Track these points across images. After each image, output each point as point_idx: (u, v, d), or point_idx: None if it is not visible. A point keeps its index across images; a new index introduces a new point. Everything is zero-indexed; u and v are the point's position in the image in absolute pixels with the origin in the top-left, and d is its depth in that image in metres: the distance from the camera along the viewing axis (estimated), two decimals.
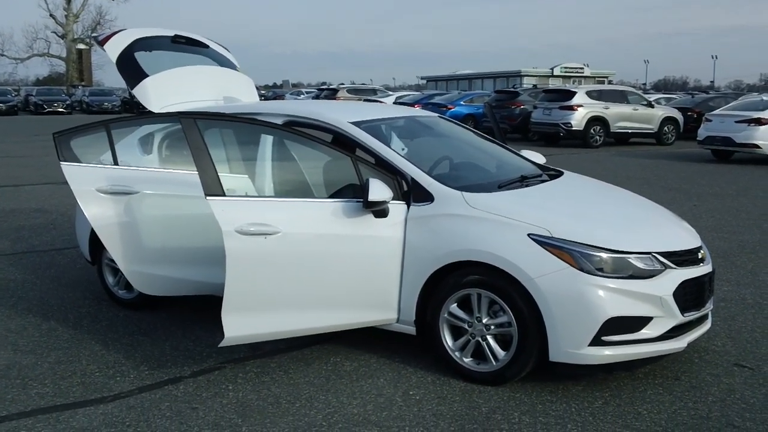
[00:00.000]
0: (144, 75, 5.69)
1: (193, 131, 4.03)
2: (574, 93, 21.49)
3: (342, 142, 4.82)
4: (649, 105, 22.43)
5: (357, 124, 4.78)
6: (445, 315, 4.28)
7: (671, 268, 4.08)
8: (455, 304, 4.25)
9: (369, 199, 4.10)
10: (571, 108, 20.83)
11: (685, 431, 3.68)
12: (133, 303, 5.62)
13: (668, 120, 22.55)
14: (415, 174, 4.43)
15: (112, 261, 5.65)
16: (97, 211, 4.69)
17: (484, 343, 4.19)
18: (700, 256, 4.35)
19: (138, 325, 5.31)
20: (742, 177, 14.28)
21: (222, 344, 4.07)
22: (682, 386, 4.20)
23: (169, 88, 5.76)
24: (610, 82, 71.06)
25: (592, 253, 3.94)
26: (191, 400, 4.05)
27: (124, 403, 4.03)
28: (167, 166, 5.28)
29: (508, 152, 5.59)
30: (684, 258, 4.21)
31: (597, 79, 78.89)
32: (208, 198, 3.90)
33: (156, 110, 5.57)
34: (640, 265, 3.99)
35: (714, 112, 18.20)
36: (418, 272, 4.30)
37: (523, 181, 4.86)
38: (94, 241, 5.73)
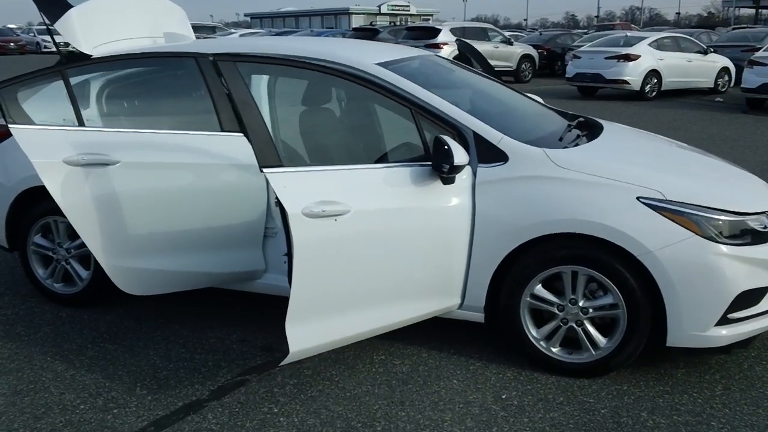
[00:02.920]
0: (67, 5, 4.39)
1: (236, 79, 2.95)
2: (439, 31, 21.01)
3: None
4: (509, 42, 22.47)
5: (385, 65, 3.87)
6: (527, 298, 3.55)
7: None
8: (540, 285, 3.53)
9: (456, 163, 3.24)
10: (437, 46, 20.33)
11: None
12: (74, 299, 4.41)
13: (526, 57, 22.75)
14: (480, 128, 3.61)
15: (42, 247, 4.39)
16: (67, 190, 3.44)
17: (579, 329, 3.52)
18: None
19: (95, 328, 4.14)
20: (622, 113, 14.50)
21: (285, 362, 3.10)
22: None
23: (98, 23, 4.50)
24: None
25: (713, 216, 3.35)
26: None
27: None
28: (113, 124, 4.09)
29: (520, 95, 4.86)
30: None
31: (422, 17, 79.59)
32: (265, 171, 2.87)
33: (87, 50, 4.31)
34: (757, 227, 3.45)
35: (582, 49, 18.44)
36: (493, 248, 3.52)
37: (571, 131, 4.17)
38: (13, 223, 4.42)
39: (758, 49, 18.86)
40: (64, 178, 3.42)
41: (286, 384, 3.50)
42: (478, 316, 3.69)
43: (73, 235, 4.28)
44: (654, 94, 16.93)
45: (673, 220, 3.31)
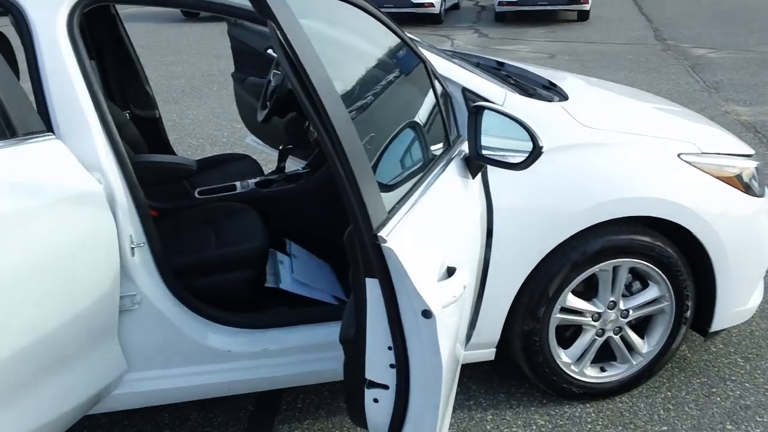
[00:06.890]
0: None
1: (298, 35, 1.30)
2: None
3: None
4: None
5: None
6: (557, 314, 2.55)
7: None
8: (570, 294, 2.55)
9: (543, 148, 2.02)
10: None
11: None
12: None
13: None
14: (474, 84, 2.40)
15: None
16: None
17: (617, 338, 2.66)
18: None
19: None
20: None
21: None
22: None
23: None
24: None
25: (745, 165, 2.71)
26: None
27: None
28: None
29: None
30: None
31: None
32: (384, 241, 1.34)
33: None
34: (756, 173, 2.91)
35: None
36: (516, 259, 2.40)
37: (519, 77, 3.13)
38: None
39: None
40: None
41: None
42: (486, 354, 2.58)
43: None
44: None
45: (717, 178, 2.59)
